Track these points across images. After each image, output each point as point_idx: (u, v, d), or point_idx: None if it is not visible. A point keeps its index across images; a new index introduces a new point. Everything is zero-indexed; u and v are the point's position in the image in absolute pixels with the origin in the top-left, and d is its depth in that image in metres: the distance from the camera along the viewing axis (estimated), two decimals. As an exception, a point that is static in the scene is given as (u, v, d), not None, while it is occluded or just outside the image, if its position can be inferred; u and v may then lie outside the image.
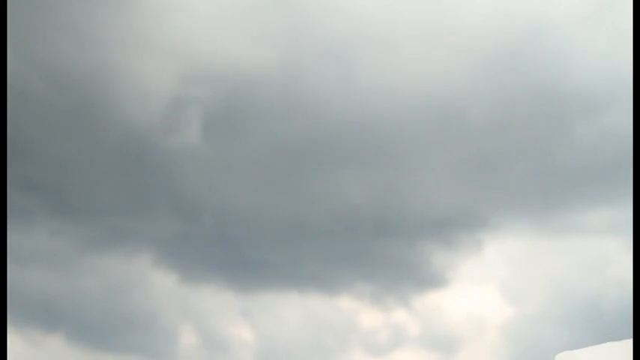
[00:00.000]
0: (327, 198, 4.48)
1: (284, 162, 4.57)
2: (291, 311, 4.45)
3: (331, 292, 4.48)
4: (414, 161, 4.42)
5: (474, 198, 4.32)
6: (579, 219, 4.12)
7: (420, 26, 4.20)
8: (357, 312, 4.39)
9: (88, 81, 4.24)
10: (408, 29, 4.22)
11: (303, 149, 4.53)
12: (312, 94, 4.41)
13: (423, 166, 4.39)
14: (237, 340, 4.36)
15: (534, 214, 4.27)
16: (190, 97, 4.46)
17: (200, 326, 4.40)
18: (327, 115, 4.44)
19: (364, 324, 4.39)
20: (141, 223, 4.46)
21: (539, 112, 4.14)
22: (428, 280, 4.35)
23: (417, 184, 4.39)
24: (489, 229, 4.37)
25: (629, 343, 0.74)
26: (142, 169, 4.43)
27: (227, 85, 4.44)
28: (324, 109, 4.43)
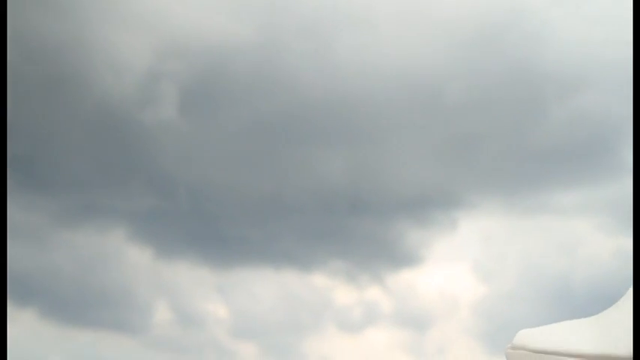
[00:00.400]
0: (303, 175, 4.49)
1: (261, 138, 4.56)
2: (266, 287, 4.47)
3: (306, 269, 4.50)
4: (391, 139, 4.44)
5: (449, 177, 4.35)
6: (553, 199, 4.17)
7: (398, 4, 4.20)
8: (331, 289, 4.42)
9: (63, 53, 4.19)
10: (386, 7, 4.21)
11: (279, 125, 4.52)
12: (289, 70, 4.40)
13: (399, 145, 4.41)
14: (211, 315, 4.37)
15: (508, 194, 4.31)
16: (166, 71, 4.42)
17: (175, 302, 4.40)
18: (303, 92, 4.43)
19: (338, 301, 4.42)
20: (115, 198, 4.44)
21: (515, 93, 4.16)
22: (402, 258, 4.39)
23: (392, 163, 4.41)
24: (464, 208, 4.41)
25: (590, 321, 0.75)
26: (116, 143, 4.40)
27: (204, 60, 4.41)
28: (301, 86, 4.42)
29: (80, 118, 4.35)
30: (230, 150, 4.58)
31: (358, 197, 4.36)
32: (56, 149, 4.35)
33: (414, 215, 4.40)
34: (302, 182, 4.43)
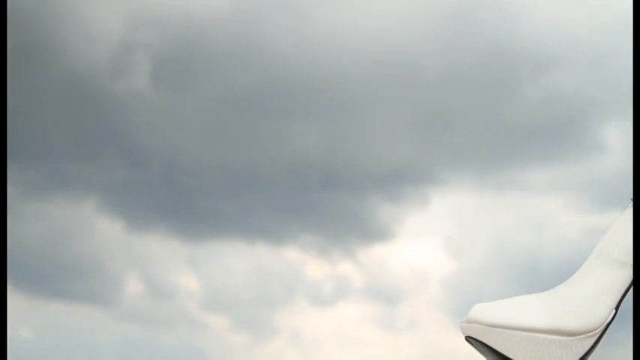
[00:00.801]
0: (277, 148, 4.48)
1: (234, 110, 4.54)
2: (238, 261, 4.47)
3: (278, 243, 4.51)
4: (365, 115, 4.44)
5: (422, 153, 4.37)
6: (524, 176, 4.21)
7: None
8: (303, 263, 4.44)
9: (34, 21, 4.12)
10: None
11: (254, 98, 4.50)
12: (264, 43, 4.36)
13: (373, 120, 4.41)
14: (183, 288, 4.37)
15: (480, 171, 4.34)
16: (140, 42, 4.37)
17: (146, 274, 4.39)
18: (279, 65, 4.41)
19: (310, 275, 4.45)
20: (86, 169, 4.40)
21: (489, 71, 4.18)
22: (374, 233, 4.42)
23: (366, 138, 4.42)
24: (436, 184, 4.44)
25: (543, 296, 0.76)
26: (88, 114, 4.35)
27: (178, 31, 4.36)
28: (276, 59, 4.39)
29: (52, 87, 4.29)
30: (203, 122, 4.55)
31: (331, 172, 4.37)
32: (27, 119, 4.29)
33: (387, 190, 4.42)
34: (275, 156, 4.42)
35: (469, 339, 0.79)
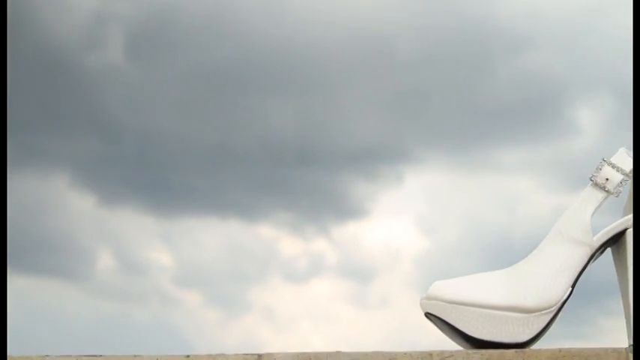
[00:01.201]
0: (251, 124, 4.45)
1: (209, 85, 4.50)
2: (211, 237, 4.46)
3: (252, 219, 4.50)
4: (340, 92, 4.42)
5: (396, 131, 4.37)
6: (496, 156, 4.23)
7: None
8: (276, 240, 4.43)
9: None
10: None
11: (229, 73, 4.46)
12: (241, 17, 4.32)
13: (348, 98, 4.40)
14: (155, 264, 4.36)
15: (454, 150, 4.36)
16: (114, 14, 4.30)
17: (118, 249, 4.36)
18: (255, 40, 4.37)
19: (284, 252, 4.45)
20: (58, 142, 4.34)
21: (464, 50, 4.18)
22: (348, 210, 4.42)
23: (342, 115, 4.41)
24: (410, 163, 4.45)
25: (502, 274, 0.76)
26: (60, 86, 4.29)
27: (153, 3, 4.30)
28: (253, 33, 4.35)
29: (22, 59, 4.22)
30: (178, 96, 4.51)
31: (306, 148, 4.36)
32: (-3, 90, 4.22)
33: (361, 168, 4.43)
34: (250, 131, 4.40)
35: (428, 315, 0.80)
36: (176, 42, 4.34)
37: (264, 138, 4.40)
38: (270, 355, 0.78)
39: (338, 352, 0.77)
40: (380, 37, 4.27)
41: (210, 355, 0.80)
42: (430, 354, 0.76)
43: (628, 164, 0.81)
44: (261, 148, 4.40)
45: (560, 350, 0.74)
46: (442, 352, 0.75)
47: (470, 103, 4.20)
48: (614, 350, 0.73)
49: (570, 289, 0.77)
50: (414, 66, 4.22)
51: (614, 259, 0.81)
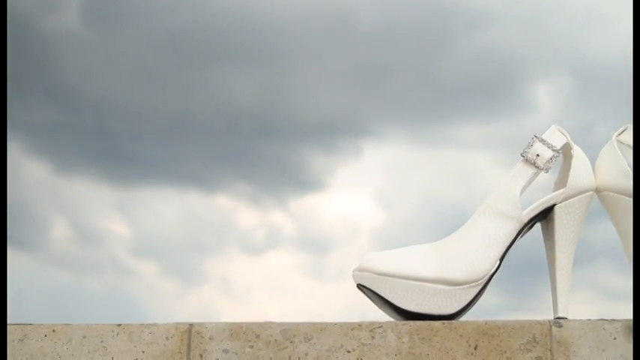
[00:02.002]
0: (211, 95, 4.41)
1: (169, 53, 4.44)
2: (168, 207, 4.43)
3: (209, 191, 4.48)
4: (301, 64, 4.40)
5: (357, 105, 4.37)
6: (455, 132, 4.27)
7: None
8: (234, 211, 4.42)
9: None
10: None
11: (188, 43, 4.40)
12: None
13: (309, 70, 4.38)
14: (112, 234, 4.32)
15: (413, 125, 4.38)
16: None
17: (73, 219, 4.31)
18: (216, 10, 4.31)
19: (241, 223, 4.44)
20: (13, 109, 4.26)
21: (425, 25, 4.18)
22: (306, 183, 4.43)
23: (302, 88, 4.39)
24: (369, 137, 4.46)
25: (432, 247, 0.77)
26: (15, 52, 4.19)
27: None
28: (214, 3, 4.29)
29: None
30: (136, 64, 4.44)
31: (265, 120, 4.34)
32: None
33: (321, 141, 4.43)
34: (209, 102, 4.36)
35: (360, 287, 0.81)
36: (136, 9, 4.27)
37: (224, 109, 4.37)
38: (201, 324, 0.79)
39: (269, 322, 0.78)
40: (342, 9, 4.25)
41: (142, 325, 0.80)
42: (360, 325, 0.76)
43: (559, 141, 0.82)
44: (220, 119, 4.37)
45: (486, 322, 0.75)
46: (372, 323, 0.76)
47: (430, 78, 4.21)
48: (538, 322, 0.75)
49: (498, 262, 0.79)
50: (376, 39, 4.21)
51: (543, 234, 0.83)
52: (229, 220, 4.38)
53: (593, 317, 0.75)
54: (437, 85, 4.17)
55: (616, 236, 0.81)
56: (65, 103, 4.37)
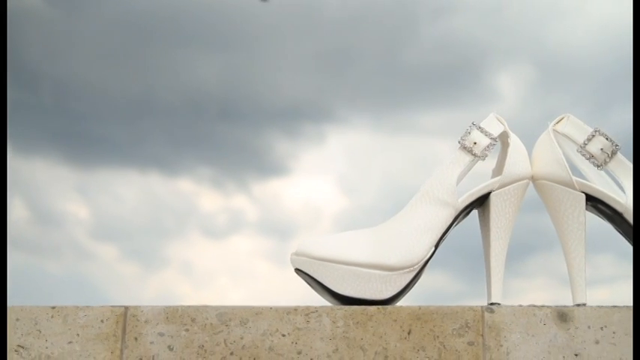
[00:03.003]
0: (174, 77, 4.37)
1: (132, 36, 4.38)
2: (130, 190, 4.39)
3: (172, 174, 4.45)
4: (266, 48, 4.38)
5: (321, 90, 4.37)
6: (417, 119, 4.29)
7: None
8: (196, 195, 4.41)
9: None
10: None
11: (153, 25, 4.35)
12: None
13: (274, 54, 4.36)
14: (71, 216, 4.27)
15: (377, 111, 4.39)
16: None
17: (32, 200, 4.25)
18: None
19: (203, 207, 4.43)
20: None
21: (389, 11, 4.19)
22: (269, 167, 4.42)
23: (266, 72, 4.37)
24: (333, 122, 4.47)
25: (369, 232, 0.77)
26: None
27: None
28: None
29: None
30: (99, 45, 4.38)
31: (229, 104, 4.32)
32: None
33: (284, 126, 4.42)
34: (173, 85, 4.32)
35: (298, 271, 0.81)
36: (97, -11, 4.20)
37: (188, 92, 4.33)
38: (136, 307, 0.78)
39: (205, 306, 0.78)
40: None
41: (76, 307, 0.79)
42: (295, 309, 0.77)
43: (496, 129, 0.83)
44: (184, 101, 4.33)
45: (419, 308, 0.76)
46: (307, 307, 0.77)
47: (394, 64, 4.22)
48: (471, 308, 0.76)
49: (433, 248, 0.79)
50: (341, 25, 4.21)
51: (480, 221, 0.84)
52: (191, 203, 4.36)
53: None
54: (401, 71, 4.19)
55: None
56: (25, 83, 4.30)
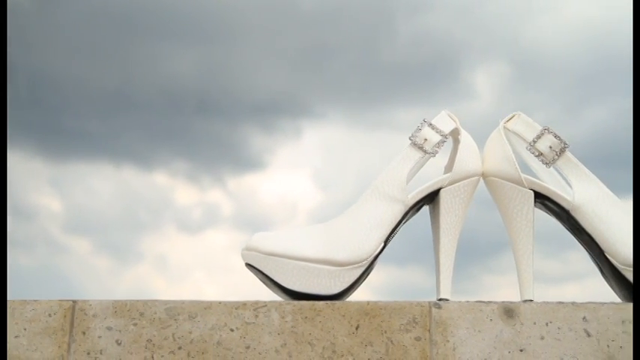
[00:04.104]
0: (150, 71, 4.34)
1: (108, 29, 4.35)
2: (104, 183, 4.36)
3: (147, 167, 4.43)
4: (243, 43, 4.36)
5: (298, 85, 4.37)
6: (393, 115, 4.30)
7: None
8: (172, 189, 4.39)
9: None
10: None
11: (129, 17, 4.32)
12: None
13: (251, 49, 4.35)
14: (45, 209, 4.24)
15: (353, 107, 4.40)
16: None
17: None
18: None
19: (179, 201, 4.41)
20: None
21: (366, 7, 4.19)
22: (245, 162, 4.41)
23: (244, 66, 4.36)
24: (310, 118, 4.47)
25: (320, 228, 0.78)
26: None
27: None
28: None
29: None
30: (76, 39, 4.34)
31: (206, 98, 4.30)
32: None
33: (261, 121, 4.41)
34: (149, 78, 4.30)
35: (248, 266, 0.81)
36: (74, -20, 4.16)
37: (164, 85, 4.31)
38: (85, 301, 0.78)
39: (154, 300, 0.78)
40: (286, -12, 4.22)
41: (24, 301, 0.78)
42: (244, 304, 0.77)
43: (447, 126, 0.83)
44: (160, 95, 4.31)
45: (368, 303, 0.76)
46: (256, 302, 0.77)
47: (371, 60, 4.23)
48: (418, 304, 0.76)
49: (383, 244, 0.80)
50: (318, 20, 4.20)
51: (430, 218, 0.84)
52: (166, 197, 4.34)
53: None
54: (377, 68, 4.19)
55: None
56: (-1, 74, 4.25)
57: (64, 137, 4.20)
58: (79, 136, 4.21)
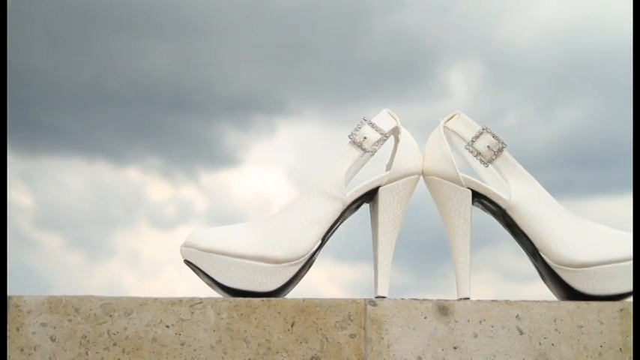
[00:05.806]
0: (124, 65, 4.31)
1: (80, 22, 4.32)
2: (76, 178, 4.33)
3: (120, 163, 4.40)
4: (219, 39, 4.35)
5: (273, 82, 4.36)
6: (367, 113, 4.31)
7: None
8: (145, 185, 4.36)
9: None
10: None
11: (102, 9, 4.29)
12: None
13: (227, 46, 4.33)
14: (15, 204, 4.19)
15: (329, 105, 4.40)
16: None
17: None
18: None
19: (152, 197, 4.39)
20: None
21: (342, 3, 4.19)
22: (219, 158, 4.40)
23: (219, 63, 4.34)
24: (285, 115, 4.46)
25: (257, 225, 0.78)
26: None
27: None
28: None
29: None
30: (49, 33, 4.30)
31: (180, 93, 4.28)
32: None
33: (235, 117, 4.40)
34: (122, 73, 4.27)
35: (187, 262, 0.81)
36: (47, -27, 4.12)
37: (137, 80, 4.28)
38: (19, 297, 0.77)
39: (89, 296, 0.77)
40: (261, -16, 4.21)
41: (-42, 296, 0.78)
42: (180, 300, 0.77)
43: (387, 125, 0.84)
44: (133, 90, 4.28)
45: (304, 300, 0.76)
46: (192, 299, 0.77)
47: (346, 58, 4.23)
48: (354, 301, 0.77)
49: (320, 241, 0.80)
50: (293, 16, 4.20)
51: (370, 216, 0.85)
52: (139, 193, 4.31)
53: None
54: (352, 65, 4.19)
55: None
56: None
57: (36, 131, 4.16)
58: (51, 130, 4.18)
